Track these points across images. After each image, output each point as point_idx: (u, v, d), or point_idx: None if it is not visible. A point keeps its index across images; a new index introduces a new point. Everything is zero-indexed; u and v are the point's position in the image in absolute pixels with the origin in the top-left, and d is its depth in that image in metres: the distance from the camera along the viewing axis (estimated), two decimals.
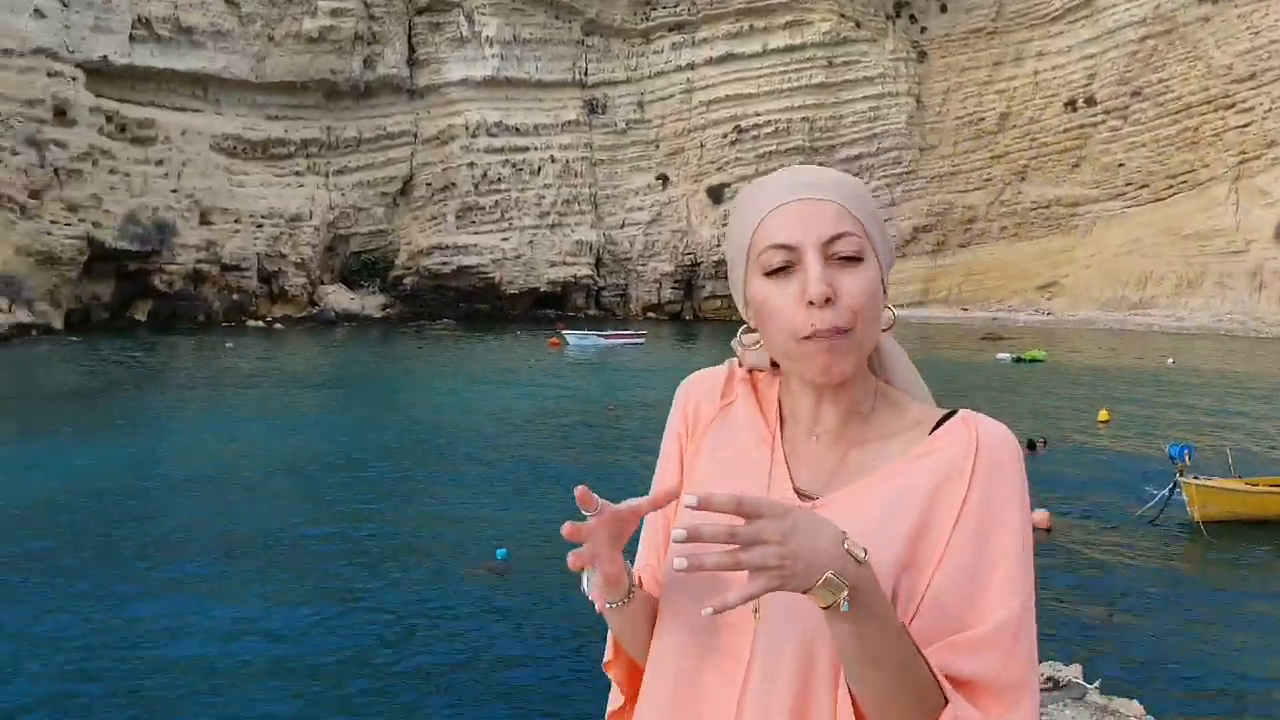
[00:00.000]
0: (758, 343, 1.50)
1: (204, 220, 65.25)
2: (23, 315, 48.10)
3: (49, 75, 57.15)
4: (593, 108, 77.34)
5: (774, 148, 77.86)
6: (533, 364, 40.76)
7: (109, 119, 60.96)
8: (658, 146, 78.74)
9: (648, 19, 78.58)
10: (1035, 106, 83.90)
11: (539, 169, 74.63)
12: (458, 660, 9.75)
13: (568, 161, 75.45)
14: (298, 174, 70.61)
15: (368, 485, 17.50)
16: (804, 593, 1.18)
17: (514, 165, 74.00)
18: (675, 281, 77.20)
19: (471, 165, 73.02)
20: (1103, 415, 26.04)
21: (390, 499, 16.47)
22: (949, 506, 1.32)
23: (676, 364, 41.80)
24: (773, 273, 1.36)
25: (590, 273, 75.67)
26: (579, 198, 75.95)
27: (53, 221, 55.09)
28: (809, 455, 1.44)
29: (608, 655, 1.56)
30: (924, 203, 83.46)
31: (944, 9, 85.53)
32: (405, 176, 73.62)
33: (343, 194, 71.81)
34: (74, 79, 59.04)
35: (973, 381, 36.18)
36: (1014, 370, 40.75)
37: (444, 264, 71.96)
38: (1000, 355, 46.31)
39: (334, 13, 69.13)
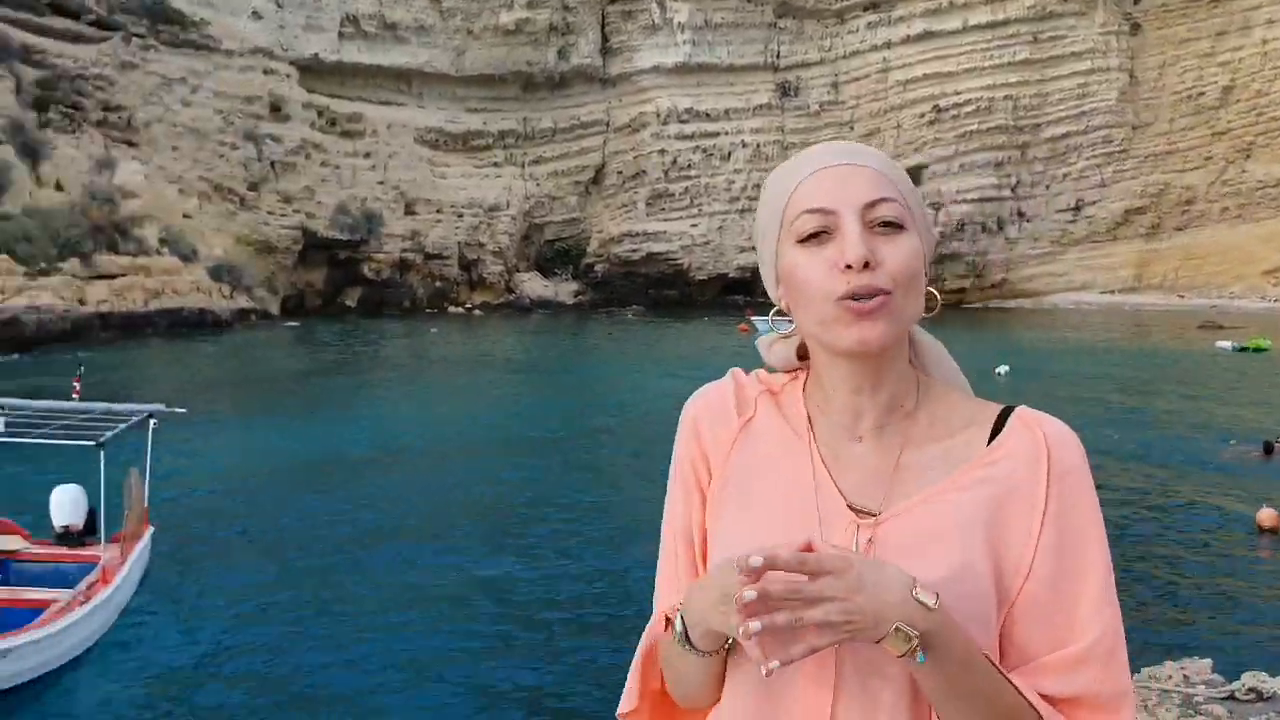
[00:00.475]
0: (788, 333, 1.40)
1: (408, 210, 67.92)
2: (243, 301, 51.10)
3: (265, 73, 60.50)
4: (785, 91, 76.34)
5: (974, 127, 75.04)
6: (721, 350, 40.52)
7: (320, 114, 64.12)
8: (852, 128, 77.04)
9: None
10: (1263, 79, 77.76)
11: (729, 154, 74.27)
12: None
13: (758, 145, 74.78)
14: (495, 165, 72.65)
15: (569, 460, 17.87)
16: (876, 643, 1.14)
17: (704, 151, 73.90)
18: None
19: (662, 152, 73.34)
20: None
21: (590, 471, 16.74)
22: (1028, 518, 1.25)
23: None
24: (806, 239, 1.26)
25: None
26: None
27: (269, 212, 58.39)
28: (855, 461, 1.31)
29: (629, 706, 1.39)
30: (1137, 183, 78.69)
31: None
32: (597, 165, 74.64)
33: (538, 184, 73.42)
34: (288, 76, 62.32)
35: (1190, 372, 33.85)
36: (1236, 360, 37.97)
37: (634, 251, 72.61)
38: (1220, 344, 43.18)
39: (530, 5, 70.61)
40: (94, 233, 42.61)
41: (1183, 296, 75.15)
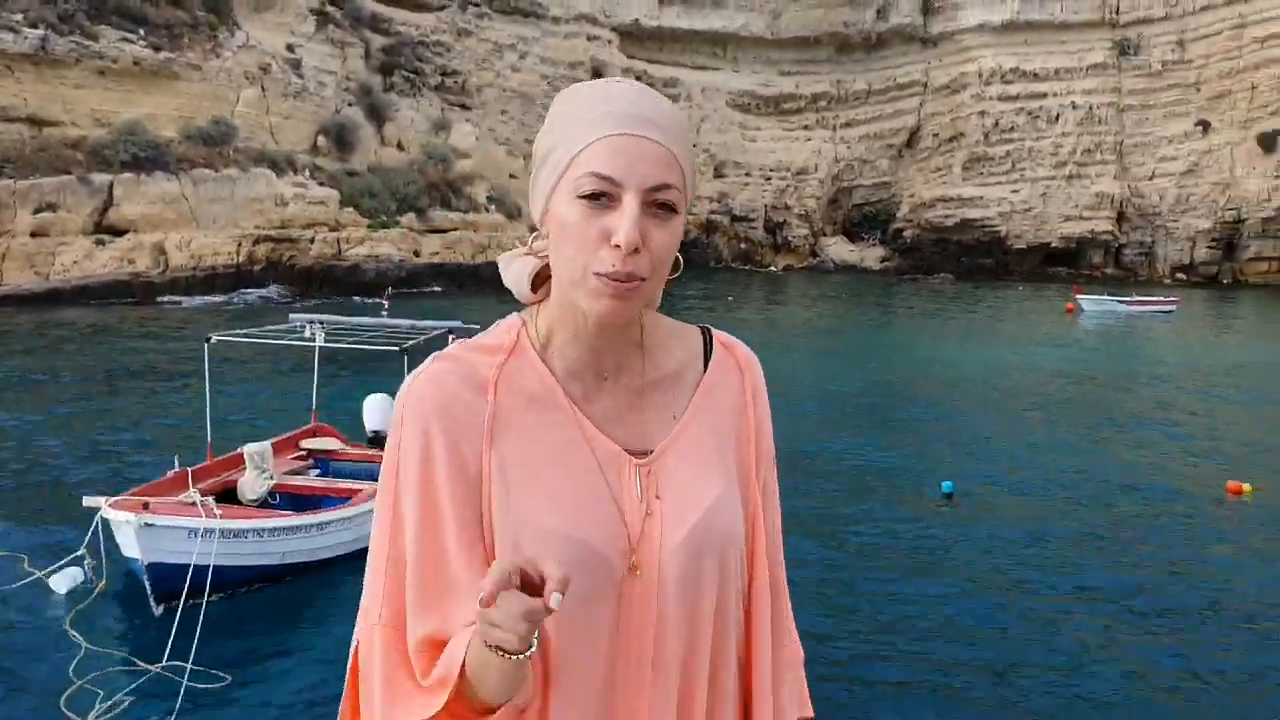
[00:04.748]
0: (534, 251, 1.43)
1: (718, 173, 68.60)
2: None
3: (588, 39, 62.66)
4: (1124, 49, 70.70)
5: None
6: (1037, 328, 38.18)
7: (638, 78, 65.60)
8: (1198, 90, 70.38)
9: None
10: None
11: (1057, 116, 69.76)
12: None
13: (1091, 108, 69.77)
14: (806, 128, 71.98)
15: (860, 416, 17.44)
16: None
17: (1029, 113, 69.82)
18: (1212, 240, 68.85)
19: (982, 114, 69.97)
20: None
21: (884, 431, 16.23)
22: (747, 432, 1.49)
23: (1210, 336, 37.20)
24: (585, 197, 1.29)
25: (1110, 228, 69.72)
26: (1101, 146, 70.05)
27: None
28: (607, 402, 1.42)
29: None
30: None
31: None
32: (912, 128, 72.29)
33: (848, 147, 72.10)
34: (609, 42, 64.25)
35: None
36: None
37: (947, 216, 69.88)
38: None
39: None
40: (429, 190, 45.74)
41: None
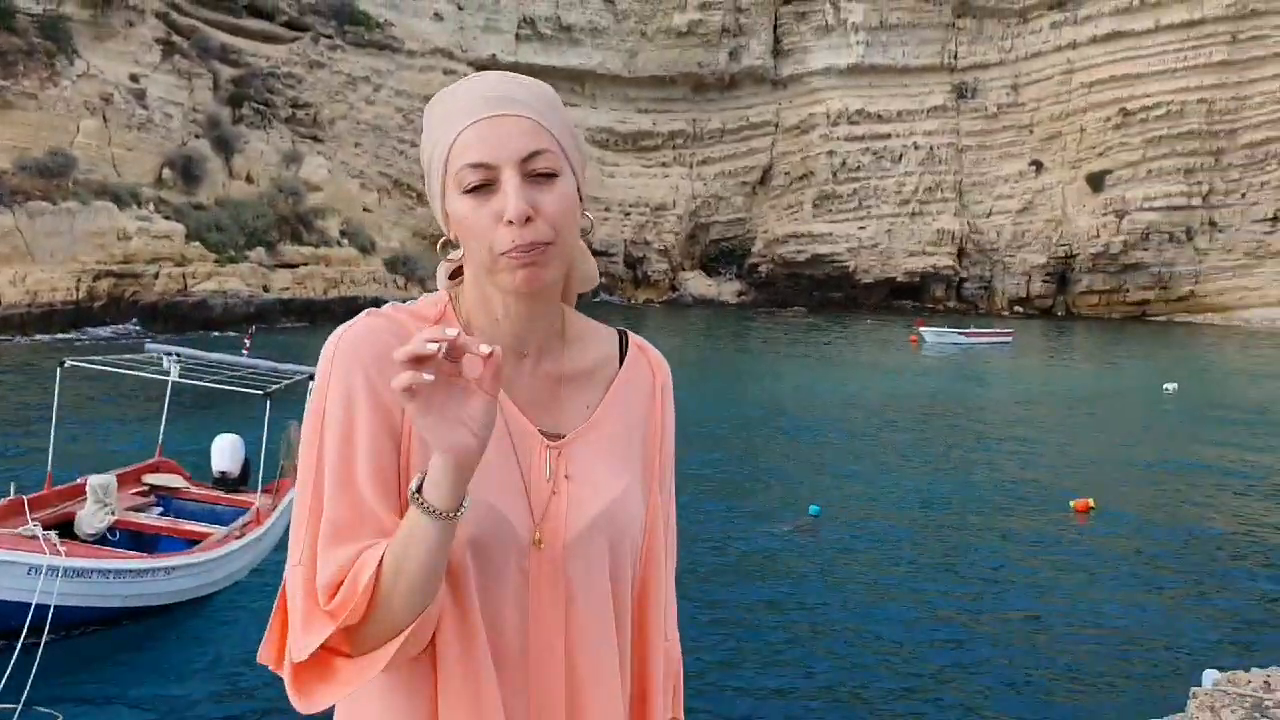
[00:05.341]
0: (455, 257, 1.47)
1: None
2: (417, 292, 52.42)
3: (444, 73, 62.34)
4: (961, 92, 74.19)
5: (1164, 131, 71.24)
6: (884, 358, 39.59)
7: None
8: (1031, 131, 74.29)
9: None
10: None
11: (900, 156, 72.65)
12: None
13: (932, 148, 72.92)
14: (664, 165, 73.13)
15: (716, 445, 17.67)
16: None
17: (874, 153, 72.52)
18: (1047, 274, 72.49)
19: (831, 153, 72.35)
20: None
21: (733, 460, 16.50)
22: (654, 432, 1.55)
23: (1043, 365, 39.08)
24: (471, 190, 1.34)
25: (951, 263, 72.74)
26: (942, 185, 73.19)
27: None
28: (527, 384, 1.46)
29: (355, 600, 1.28)
30: None
31: None
32: (765, 166, 74.24)
33: (705, 183, 73.52)
34: (466, 76, 64.09)
35: None
36: None
37: (799, 252, 71.85)
38: None
39: (703, 6, 70.75)
40: (279, 223, 44.69)
41: None
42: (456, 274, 1.49)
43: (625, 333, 1.58)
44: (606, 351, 1.54)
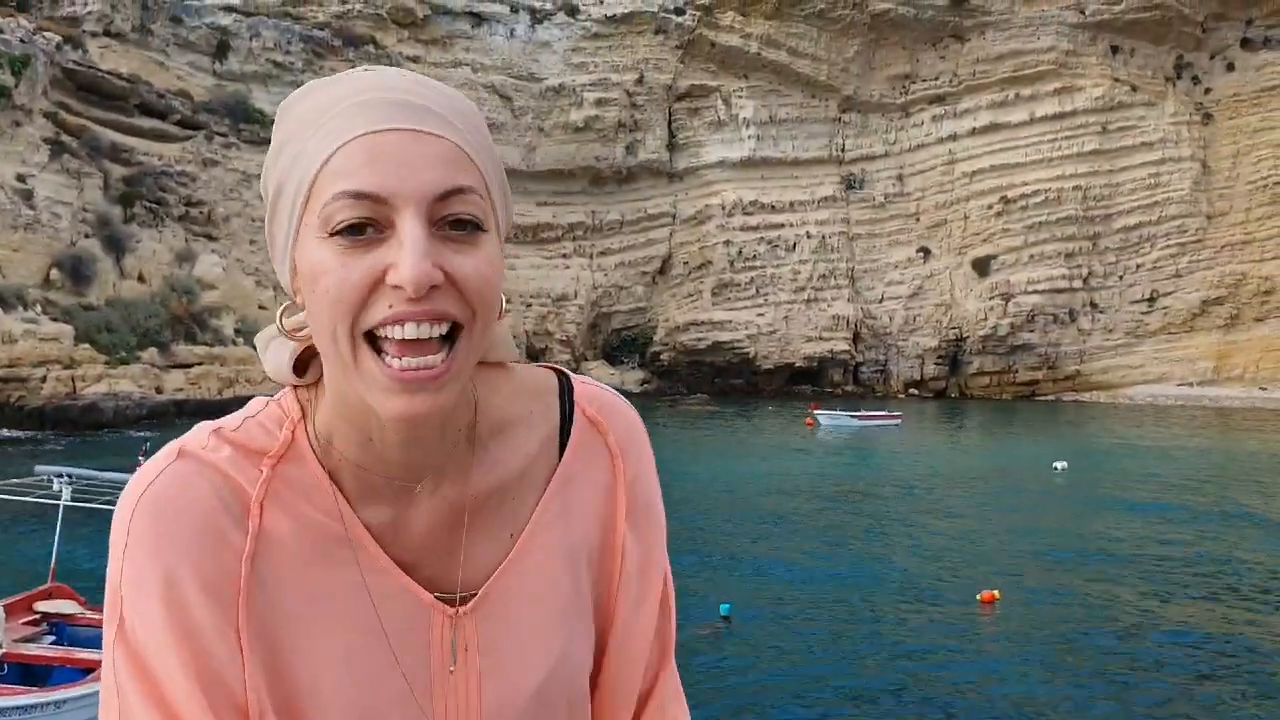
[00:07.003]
0: (293, 329, 0.99)
1: None
2: None
3: None
4: (850, 183, 76.77)
5: (1044, 218, 74.54)
6: (784, 443, 40.20)
7: None
8: (918, 219, 77.04)
9: (907, 92, 77.46)
10: None
11: (794, 245, 74.57)
12: None
13: (824, 237, 75.03)
14: (564, 256, 73.82)
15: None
16: None
17: (769, 242, 74.32)
18: (939, 356, 74.69)
19: (727, 243, 73.94)
20: None
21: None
22: (613, 541, 1.09)
23: (936, 446, 40.05)
24: (341, 232, 0.87)
25: (848, 348, 74.48)
26: (835, 272, 75.23)
27: None
28: (420, 528, 1.00)
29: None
30: (1214, 273, 77.19)
31: (1231, 68, 79.81)
32: (664, 256, 75.46)
33: (605, 274, 74.32)
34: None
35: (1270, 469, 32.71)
36: None
37: (700, 340, 72.87)
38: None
39: (599, 103, 72.28)
40: (173, 323, 43.84)
41: (1264, 389, 73.10)
42: (305, 360, 1.01)
43: (573, 396, 1.10)
44: (541, 436, 1.07)
